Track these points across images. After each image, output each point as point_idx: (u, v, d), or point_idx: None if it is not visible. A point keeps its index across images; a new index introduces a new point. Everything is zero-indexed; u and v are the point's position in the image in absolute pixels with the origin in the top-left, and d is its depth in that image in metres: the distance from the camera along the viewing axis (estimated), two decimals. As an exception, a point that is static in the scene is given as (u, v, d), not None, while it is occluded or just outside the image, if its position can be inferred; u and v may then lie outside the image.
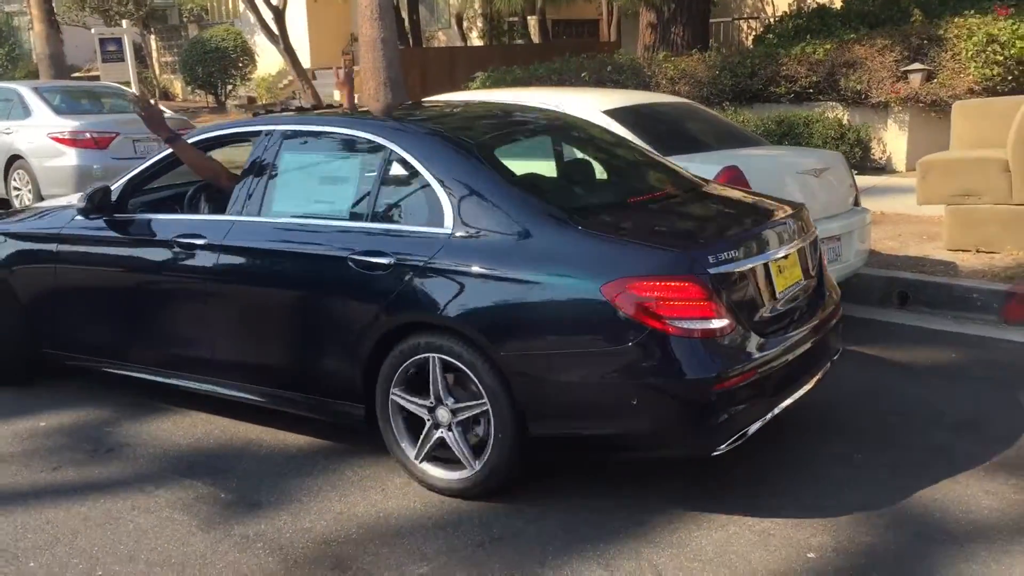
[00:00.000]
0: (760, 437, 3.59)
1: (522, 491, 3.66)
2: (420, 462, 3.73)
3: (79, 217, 4.67)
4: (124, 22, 21.14)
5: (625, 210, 3.94)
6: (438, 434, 3.67)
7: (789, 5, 16.04)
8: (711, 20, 14.69)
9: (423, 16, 21.10)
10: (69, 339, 4.83)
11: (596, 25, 21.65)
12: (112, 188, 4.65)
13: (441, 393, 3.63)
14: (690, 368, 3.24)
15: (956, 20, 10.49)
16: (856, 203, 5.95)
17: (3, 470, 4.10)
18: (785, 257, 3.75)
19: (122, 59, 19.43)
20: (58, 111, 10.41)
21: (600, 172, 4.53)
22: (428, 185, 3.74)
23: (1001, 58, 9.92)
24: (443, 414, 3.64)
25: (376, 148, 3.99)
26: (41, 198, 10.25)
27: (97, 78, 19.35)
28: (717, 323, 3.29)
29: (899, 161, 10.65)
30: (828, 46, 11.03)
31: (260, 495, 3.78)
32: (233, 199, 4.26)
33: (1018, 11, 10.60)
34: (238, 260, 4.15)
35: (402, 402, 3.73)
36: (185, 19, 27.53)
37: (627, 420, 3.36)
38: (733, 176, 5.07)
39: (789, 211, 4.03)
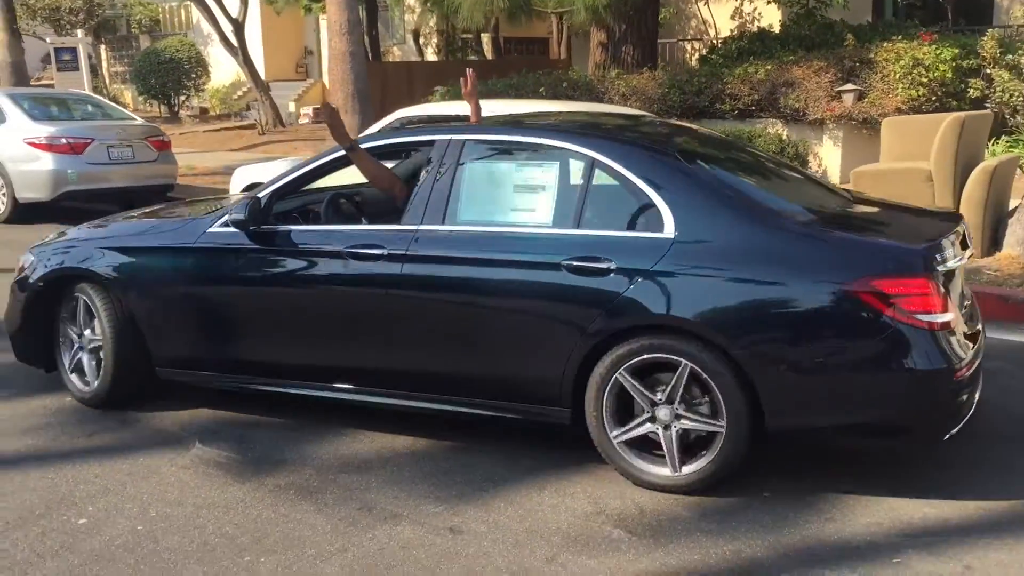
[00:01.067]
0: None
1: (520, 444, 4.19)
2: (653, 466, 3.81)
3: (215, 229, 4.53)
4: (79, 32, 21.24)
5: (820, 214, 4.03)
6: (663, 430, 3.76)
7: (732, 29, 16.92)
8: (659, 40, 15.45)
9: (379, 32, 21.59)
10: (198, 356, 4.65)
11: (547, 43, 22.37)
12: (260, 198, 4.48)
13: (668, 392, 3.73)
14: (933, 359, 3.49)
15: (885, 45, 11.37)
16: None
17: (42, 436, 4.52)
18: (965, 259, 4.00)
19: (76, 68, 19.61)
20: (33, 117, 10.68)
21: (771, 180, 4.48)
22: (642, 192, 3.82)
23: (926, 80, 10.79)
24: (664, 413, 3.75)
25: (576, 156, 4.00)
26: (16, 201, 10.51)
27: (49, 87, 19.45)
28: (949, 316, 3.57)
29: (834, 173, 11.46)
30: (768, 67, 11.83)
31: (284, 454, 4.25)
32: (410, 208, 4.20)
33: (941, 37, 11.53)
34: (428, 270, 4.08)
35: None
36: (134, 30, 27.59)
37: (870, 409, 3.60)
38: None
39: (959, 217, 4.33)
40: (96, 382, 4.80)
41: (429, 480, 3.97)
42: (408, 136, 4.72)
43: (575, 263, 3.80)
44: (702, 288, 3.66)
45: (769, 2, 15.98)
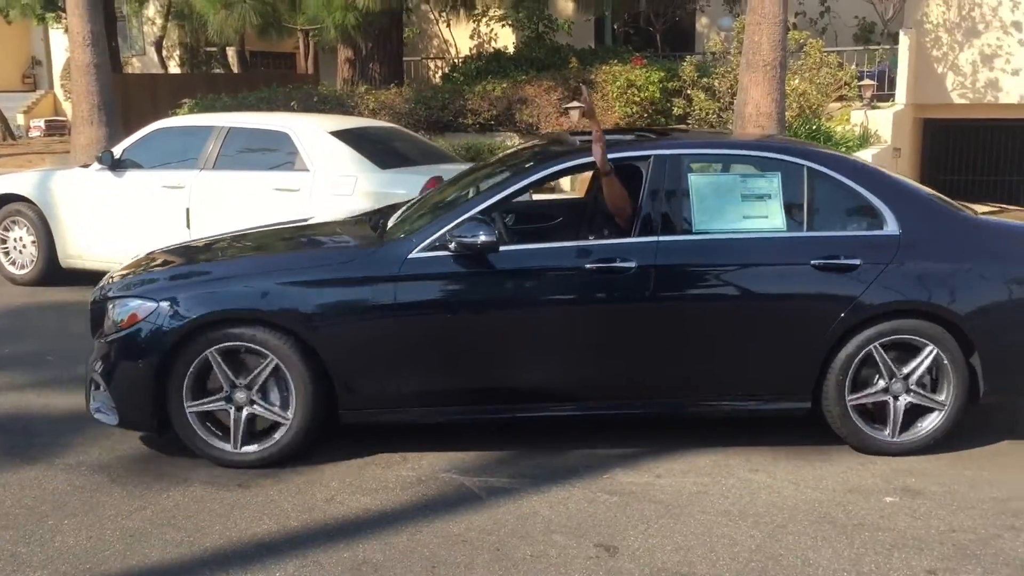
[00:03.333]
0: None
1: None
2: (895, 438, 4.40)
3: (420, 255, 4.25)
4: None
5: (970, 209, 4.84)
6: (899, 403, 4.37)
7: (470, 49, 18.08)
8: (404, 58, 16.28)
9: (118, 43, 20.88)
10: (409, 391, 4.32)
11: (293, 58, 22.60)
12: (481, 216, 4.31)
13: (895, 369, 4.35)
14: None
15: (604, 67, 12.81)
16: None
17: None
18: None
19: None
20: None
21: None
22: (860, 195, 4.45)
23: (638, 99, 12.31)
24: (898, 386, 4.37)
25: (793, 167, 4.48)
26: None
27: None
28: None
29: (565, 183, 12.74)
30: (504, 85, 12.97)
31: (71, 439, 4.55)
32: (643, 220, 4.36)
33: (650, 62, 13.17)
34: (680, 278, 4.35)
35: (857, 396, 4.37)
36: None
37: None
38: (438, 184, 6.46)
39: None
40: (280, 435, 4.24)
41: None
42: (623, 152, 4.65)
43: (823, 261, 4.31)
44: (935, 275, 4.36)
45: (504, 25, 17.28)
